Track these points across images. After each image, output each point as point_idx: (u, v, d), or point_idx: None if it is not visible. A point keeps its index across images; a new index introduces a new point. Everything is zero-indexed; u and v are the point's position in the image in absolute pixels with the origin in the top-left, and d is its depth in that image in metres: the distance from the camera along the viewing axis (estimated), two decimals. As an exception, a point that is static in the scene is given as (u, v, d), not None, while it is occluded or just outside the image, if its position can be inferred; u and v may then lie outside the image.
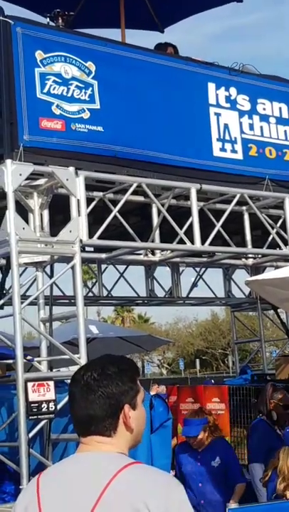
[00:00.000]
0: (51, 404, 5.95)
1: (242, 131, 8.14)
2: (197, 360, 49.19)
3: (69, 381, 2.36)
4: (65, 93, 6.87)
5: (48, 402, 5.92)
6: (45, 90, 6.76)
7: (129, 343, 13.16)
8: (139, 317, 57.16)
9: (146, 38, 9.06)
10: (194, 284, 11.76)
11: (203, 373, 47.70)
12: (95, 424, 2.24)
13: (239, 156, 8.07)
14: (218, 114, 7.98)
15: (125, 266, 11.38)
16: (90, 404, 2.23)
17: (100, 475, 2.13)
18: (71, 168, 6.63)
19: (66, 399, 6.19)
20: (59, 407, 6.08)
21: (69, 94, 6.90)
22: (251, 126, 8.23)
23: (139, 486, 2.10)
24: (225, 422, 7.97)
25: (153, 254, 8.13)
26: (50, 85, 6.79)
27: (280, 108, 8.52)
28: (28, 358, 6.14)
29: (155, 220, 7.50)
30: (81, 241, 6.62)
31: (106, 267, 11.39)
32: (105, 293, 11.23)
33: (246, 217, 8.26)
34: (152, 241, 7.45)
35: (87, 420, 2.24)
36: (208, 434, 6.59)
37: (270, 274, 6.98)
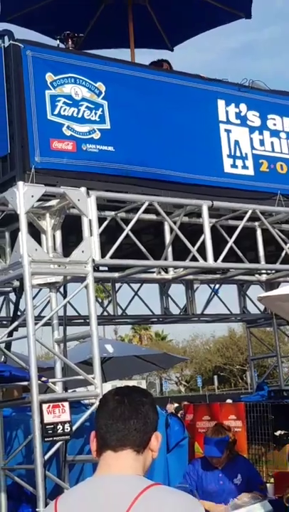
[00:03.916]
0: (66, 426, 5.90)
1: (252, 147, 8.14)
2: (215, 377, 48.88)
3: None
4: (75, 114, 6.92)
5: (63, 423, 5.87)
6: (55, 112, 6.82)
7: (145, 362, 13.11)
8: (157, 335, 56.98)
9: (155, 57, 9.10)
10: (209, 301, 11.71)
11: (221, 390, 47.43)
12: (131, 438, 2.25)
13: (250, 172, 8.07)
14: (228, 131, 8.00)
15: (139, 284, 11.37)
16: (136, 421, 2.26)
17: (120, 498, 2.12)
18: (82, 189, 6.66)
19: (82, 419, 6.18)
20: (74, 428, 6.05)
21: (79, 115, 6.94)
22: (262, 142, 8.23)
23: (161, 508, 2.08)
24: (242, 440, 7.90)
25: (166, 271, 8.12)
26: (61, 107, 6.85)
27: (290, 123, 8.51)
28: (43, 379, 6.12)
29: (167, 237, 7.50)
30: (94, 261, 6.63)
31: (120, 286, 11.39)
32: (120, 311, 11.22)
33: (259, 232, 8.23)
34: (165, 259, 7.44)
35: (127, 434, 2.25)
36: (228, 451, 6.35)
37: (281, 289, 6.93)
